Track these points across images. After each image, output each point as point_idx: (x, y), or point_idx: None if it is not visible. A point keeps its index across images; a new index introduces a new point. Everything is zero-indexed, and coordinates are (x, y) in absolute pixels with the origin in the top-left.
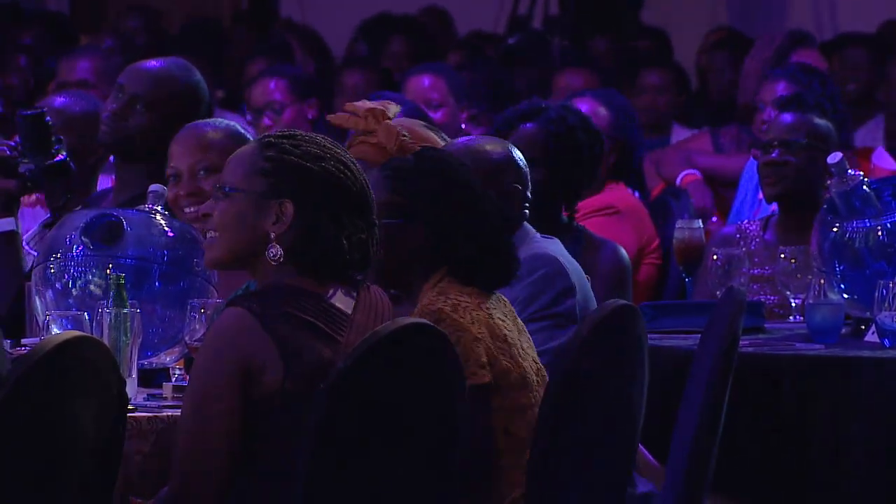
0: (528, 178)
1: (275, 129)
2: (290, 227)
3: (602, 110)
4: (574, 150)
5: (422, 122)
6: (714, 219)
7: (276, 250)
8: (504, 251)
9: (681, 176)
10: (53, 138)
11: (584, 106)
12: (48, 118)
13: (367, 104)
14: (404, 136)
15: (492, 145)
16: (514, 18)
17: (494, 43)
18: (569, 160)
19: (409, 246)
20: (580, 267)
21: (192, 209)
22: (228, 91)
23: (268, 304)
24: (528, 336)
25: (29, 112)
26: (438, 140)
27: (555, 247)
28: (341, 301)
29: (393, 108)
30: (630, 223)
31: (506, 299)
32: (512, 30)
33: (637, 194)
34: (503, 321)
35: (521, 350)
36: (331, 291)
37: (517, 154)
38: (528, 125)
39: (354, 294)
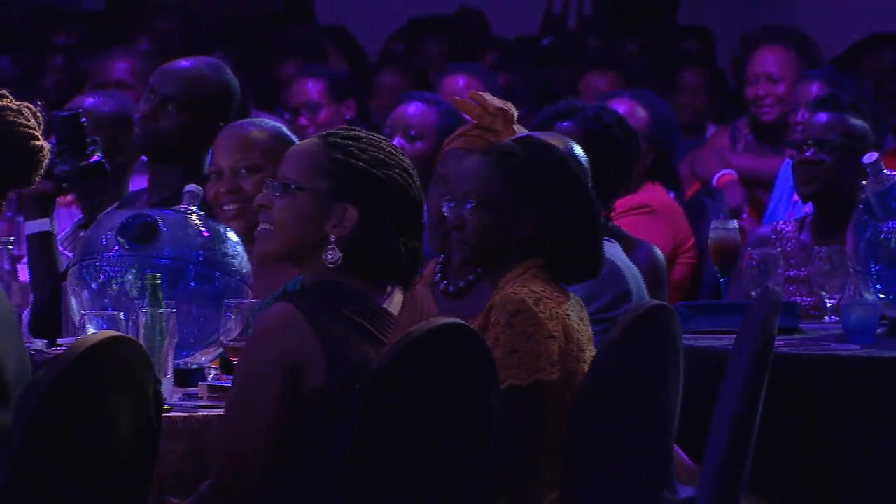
0: (589, 173)
1: (311, 129)
2: (350, 232)
3: (640, 111)
4: (610, 149)
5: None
6: (744, 215)
7: (334, 254)
8: (598, 245)
9: (717, 176)
10: (88, 139)
11: (621, 106)
12: (83, 119)
13: (497, 101)
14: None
15: (554, 141)
16: (548, 19)
17: (529, 44)
18: (605, 158)
19: (514, 231)
20: (637, 271)
21: (231, 207)
22: (263, 92)
23: (316, 303)
24: (593, 346)
25: (64, 113)
26: None
27: (613, 250)
28: (390, 303)
29: (516, 114)
30: (665, 222)
31: (582, 304)
32: (546, 30)
33: (673, 195)
34: (577, 325)
35: (587, 357)
36: (380, 294)
37: (577, 150)
38: (564, 124)
39: (401, 296)
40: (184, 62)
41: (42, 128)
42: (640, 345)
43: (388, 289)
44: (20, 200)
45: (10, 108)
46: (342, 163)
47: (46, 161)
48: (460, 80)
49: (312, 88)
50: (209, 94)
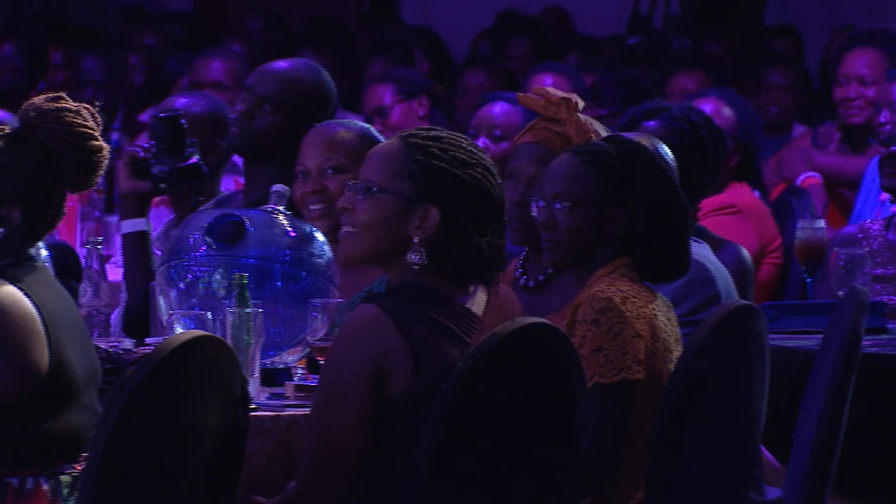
0: (676, 173)
1: (386, 133)
2: (433, 233)
3: (726, 110)
4: (697, 148)
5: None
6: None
7: (418, 255)
8: (686, 245)
9: (801, 178)
10: (187, 141)
11: (707, 106)
12: (182, 121)
13: (559, 93)
14: (593, 132)
15: (641, 141)
16: (634, 18)
17: (615, 43)
18: (692, 158)
19: (605, 230)
20: (728, 273)
21: (316, 207)
22: (349, 92)
23: (403, 304)
24: (681, 346)
25: (164, 114)
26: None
27: (703, 251)
28: (473, 303)
29: (580, 103)
30: (751, 222)
31: (670, 304)
32: (632, 30)
33: (758, 194)
34: (664, 325)
35: (674, 357)
36: (465, 294)
37: (664, 149)
38: (650, 123)
39: (486, 296)
40: (282, 63)
41: (101, 129)
42: (726, 345)
43: (471, 288)
44: (119, 200)
45: (69, 110)
46: (423, 164)
47: (105, 162)
48: (547, 80)
49: (382, 93)
50: (304, 94)
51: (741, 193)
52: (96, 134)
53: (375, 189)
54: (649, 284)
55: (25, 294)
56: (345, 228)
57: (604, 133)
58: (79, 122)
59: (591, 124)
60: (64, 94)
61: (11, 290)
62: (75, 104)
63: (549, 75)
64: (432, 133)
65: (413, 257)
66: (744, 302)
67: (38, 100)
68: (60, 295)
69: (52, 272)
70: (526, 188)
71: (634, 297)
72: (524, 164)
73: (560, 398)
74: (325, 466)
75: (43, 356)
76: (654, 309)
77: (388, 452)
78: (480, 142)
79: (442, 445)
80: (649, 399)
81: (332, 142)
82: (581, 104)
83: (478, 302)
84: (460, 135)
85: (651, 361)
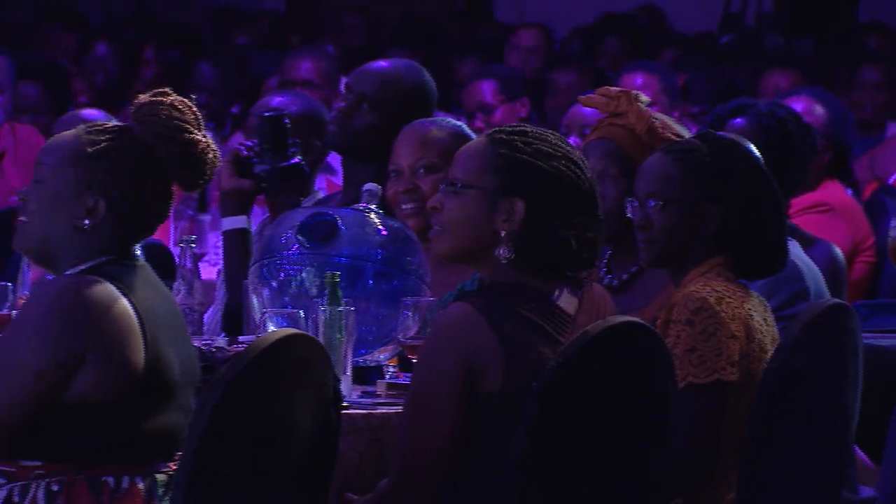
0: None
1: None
2: (519, 226)
3: (818, 108)
4: (784, 145)
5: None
6: None
7: (505, 249)
8: (783, 240)
9: (894, 176)
10: (289, 141)
11: (798, 104)
12: (286, 120)
13: (616, 89)
14: (655, 119)
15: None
16: (726, 16)
17: (708, 41)
18: (780, 155)
19: (699, 228)
20: (818, 270)
21: (408, 206)
22: (442, 91)
23: (495, 302)
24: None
25: (269, 114)
26: (686, 133)
27: (793, 249)
28: (566, 301)
29: (643, 96)
30: (844, 221)
31: (766, 304)
32: (724, 28)
33: (850, 192)
34: (760, 325)
35: (768, 358)
36: (556, 291)
37: (751, 147)
38: (737, 120)
39: (579, 294)
40: (382, 62)
41: (200, 122)
42: (819, 344)
43: (564, 286)
44: (220, 198)
45: (166, 104)
46: (507, 157)
47: (212, 157)
48: (638, 79)
49: (485, 89)
50: (402, 94)
51: (833, 191)
52: (192, 128)
53: (461, 186)
54: (745, 282)
55: (123, 293)
56: (434, 227)
57: (678, 128)
58: (175, 115)
59: (661, 116)
60: (168, 90)
61: (109, 289)
62: (171, 98)
63: (639, 74)
64: (518, 128)
65: (501, 251)
66: (837, 301)
67: (144, 96)
68: (160, 294)
69: (153, 272)
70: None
71: (730, 298)
72: (592, 161)
73: (652, 397)
74: (416, 465)
75: (139, 355)
76: (749, 309)
77: (479, 451)
78: (572, 140)
79: (534, 444)
80: (744, 400)
81: (424, 141)
82: (643, 97)
83: (570, 301)
84: (548, 130)
85: (746, 362)
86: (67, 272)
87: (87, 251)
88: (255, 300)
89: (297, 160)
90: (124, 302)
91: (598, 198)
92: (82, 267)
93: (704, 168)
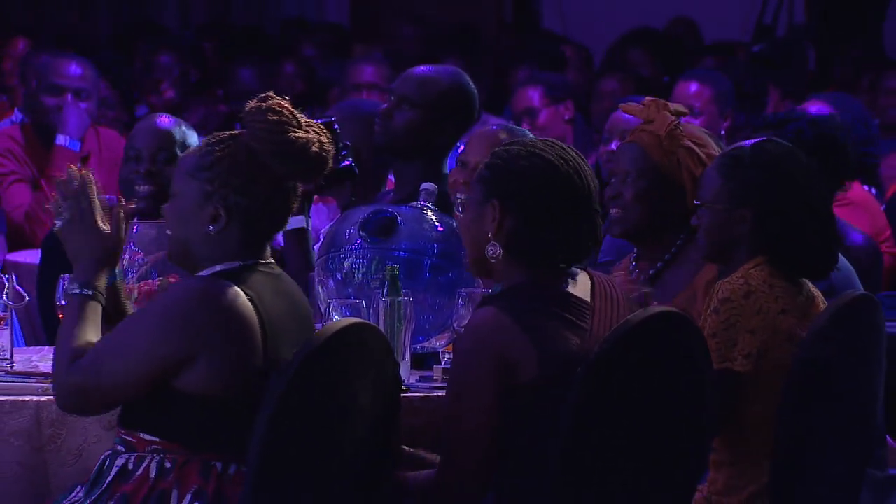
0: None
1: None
2: (503, 225)
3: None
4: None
5: (701, 128)
6: None
7: (493, 248)
8: (827, 244)
9: None
10: (341, 144)
11: (820, 108)
12: (336, 126)
13: (652, 99)
14: (676, 126)
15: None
16: (759, 27)
17: (742, 50)
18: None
19: (732, 230)
20: (848, 264)
21: (461, 196)
22: (492, 96)
23: (516, 301)
24: None
25: (320, 120)
26: (712, 143)
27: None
28: (579, 290)
29: (679, 108)
30: (863, 214)
31: (816, 297)
32: (758, 38)
33: (874, 191)
34: (798, 321)
35: None
36: (566, 282)
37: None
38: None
39: (588, 282)
40: (424, 67)
41: (299, 120)
42: (843, 333)
43: (572, 275)
44: None
45: (261, 108)
46: (490, 167)
47: (315, 149)
48: (692, 87)
49: (532, 95)
50: (439, 94)
51: (853, 189)
52: (288, 126)
53: (463, 201)
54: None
55: (249, 298)
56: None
57: (703, 136)
58: (273, 117)
59: (688, 125)
60: (272, 94)
61: (235, 292)
62: (274, 101)
63: (693, 82)
64: (512, 142)
65: (489, 251)
66: (863, 292)
67: (251, 102)
68: (290, 301)
69: (289, 279)
70: (621, 184)
71: (763, 293)
72: (623, 162)
73: (688, 383)
74: (458, 455)
75: (256, 357)
76: (784, 304)
77: (520, 438)
78: (613, 144)
79: (578, 427)
80: (772, 389)
81: (493, 143)
82: (678, 108)
83: (582, 287)
84: (546, 139)
85: (769, 352)
86: (201, 273)
87: (219, 254)
88: (321, 291)
89: (347, 162)
90: (248, 306)
91: (594, 192)
92: (216, 269)
93: (738, 174)
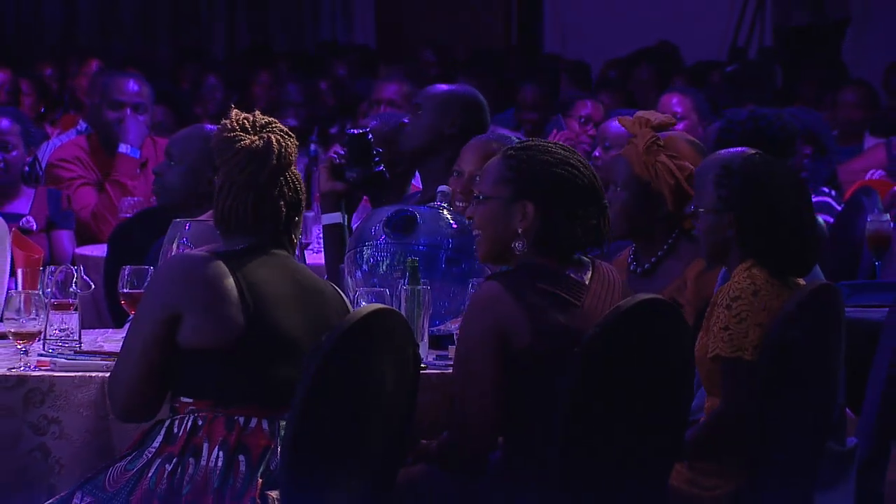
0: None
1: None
2: (532, 223)
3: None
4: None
5: (690, 138)
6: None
7: (521, 243)
8: (804, 248)
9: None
10: (374, 152)
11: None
12: (370, 136)
13: (642, 113)
14: (655, 140)
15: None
16: (733, 49)
17: (718, 69)
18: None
19: (720, 234)
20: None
21: (460, 204)
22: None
23: (517, 278)
24: None
25: (354, 131)
26: (695, 153)
27: None
28: (580, 273)
29: (664, 120)
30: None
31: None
32: (732, 59)
33: (834, 193)
34: None
35: None
36: (569, 267)
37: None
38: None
39: (590, 268)
40: (441, 85)
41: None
42: (809, 318)
43: (577, 261)
44: (320, 197)
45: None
46: (516, 169)
47: (256, 147)
48: (674, 99)
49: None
50: (444, 104)
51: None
52: (239, 135)
53: (483, 197)
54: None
55: (230, 269)
56: (473, 232)
57: (692, 150)
58: (225, 134)
59: (672, 137)
60: (232, 108)
61: (215, 264)
62: (230, 118)
63: (675, 95)
64: (524, 143)
65: (517, 245)
66: (825, 282)
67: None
68: (280, 275)
69: (292, 260)
70: (614, 191)
71: (766, 292)
72: (611, 174)
73: (672, 362)
74: (467, 417)
75: (237, 317)
76: (784, 302)
77: (518, 404)
78: (596, 152)
79: (576, 398)
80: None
81: (487, 155)
82: (659, 118)
83: (584, 273)
84: (550, 142)
85: None
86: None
87: (228, 242)
88: (349, 280)
89: (378, 169)
90: (224, 271)
91: (601, 189)
92: (220, 249)
93: (726, 183)
